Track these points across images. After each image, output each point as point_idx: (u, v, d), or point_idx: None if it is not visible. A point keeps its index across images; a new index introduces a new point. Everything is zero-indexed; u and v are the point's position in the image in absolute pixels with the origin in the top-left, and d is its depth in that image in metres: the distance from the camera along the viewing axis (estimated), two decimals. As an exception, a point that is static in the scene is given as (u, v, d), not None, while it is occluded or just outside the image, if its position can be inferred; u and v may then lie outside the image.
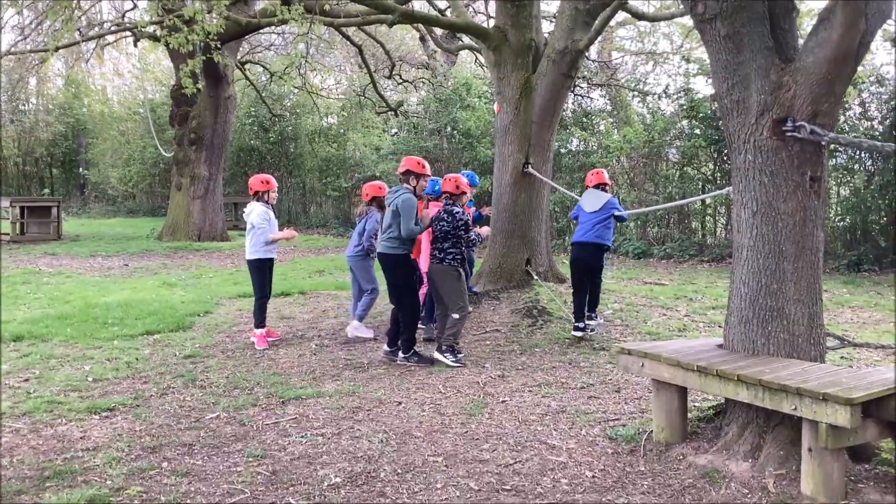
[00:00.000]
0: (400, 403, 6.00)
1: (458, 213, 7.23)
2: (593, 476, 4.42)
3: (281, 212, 25.87)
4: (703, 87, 18.41)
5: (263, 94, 25.18)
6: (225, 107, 20.52)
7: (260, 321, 8.19)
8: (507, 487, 4.29)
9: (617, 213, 8.53)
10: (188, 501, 4.14)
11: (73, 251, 17.98)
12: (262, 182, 8.32)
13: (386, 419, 5.60)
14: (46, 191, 32.15)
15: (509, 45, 10.27)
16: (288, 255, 17.32)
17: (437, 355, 7.25)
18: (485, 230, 7.82)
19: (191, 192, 20.55)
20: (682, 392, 4.75)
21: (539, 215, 10.50)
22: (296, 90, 26.04)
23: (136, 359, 7.55)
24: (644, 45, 21.74)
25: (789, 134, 4.50)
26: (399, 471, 4.56)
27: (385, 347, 7.62)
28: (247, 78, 23.60)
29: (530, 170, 10.21)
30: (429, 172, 7.48)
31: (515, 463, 4.67)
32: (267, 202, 8.33)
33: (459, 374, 6.87)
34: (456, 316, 7.23)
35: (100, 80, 36.85)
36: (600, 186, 8.62)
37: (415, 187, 7.35)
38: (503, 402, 6.02)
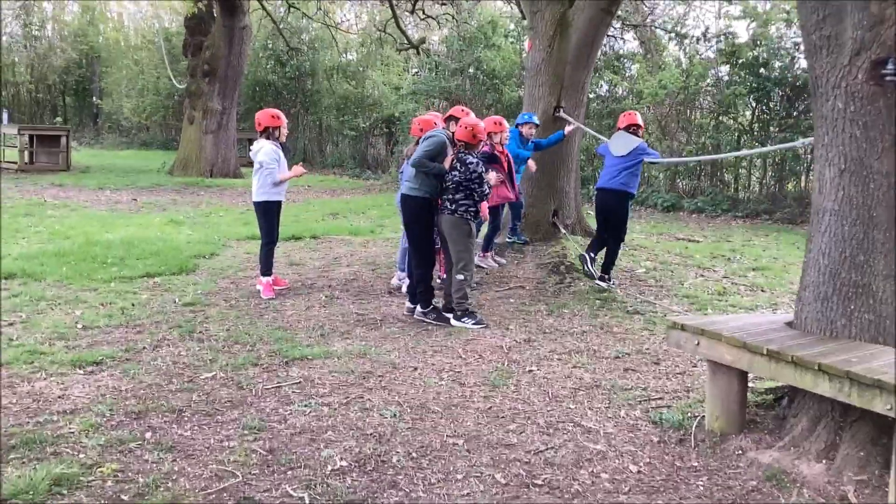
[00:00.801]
0: (416, 369, 5.41)
1: (471, 162, 6.55)
2: (639, 472, 3.81)
3: (296, 150, 25.16)
4: (745, 32, 17.38)
5: (281, 27, 24.25)
6: (240, 37, 19.70)
7: (266, 268, 7.59)
8: (539, 482, 3.70)
9: (648, 158, 7.99)
10: (169, 485, 3.58)
11: (82, 183, 17.43)
12: (271, 117, 7.62)
13: (399, 388, 5.01)
14: (59, 119, 31.48)
15: (545, -25, 9.41)
16: (301, 195, 16.69)
17: (455, 323, 6.64)
18: (492, 176, 7.08)
19: (203, 126, 19.88)
20: (743, 376, 4.11)
21: (568, 164, 9.79)
22: (314, 23, 25.10)
23: (133, 304, 6.99)
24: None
25: (889, 78, 3.77)
26: (414, 455, 3.97)
27: (407, 304, 7.05)
28: (263, 8, 22.65)
29: (562, 114, 9.45)
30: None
31: (547, 450, 4.07)
32: (276, 140, 7.66)
33: (481, 337, 6.26)
34: (461, 277, 6.62)
35: (116, 7, 35.90)
36: (631, 129, 7.99)
37: (454, 134, 6.80)
38: (530, 371, 5.41)
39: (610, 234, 7.97)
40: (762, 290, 7.99)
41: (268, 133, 7.60)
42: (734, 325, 4.16)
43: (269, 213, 7.66)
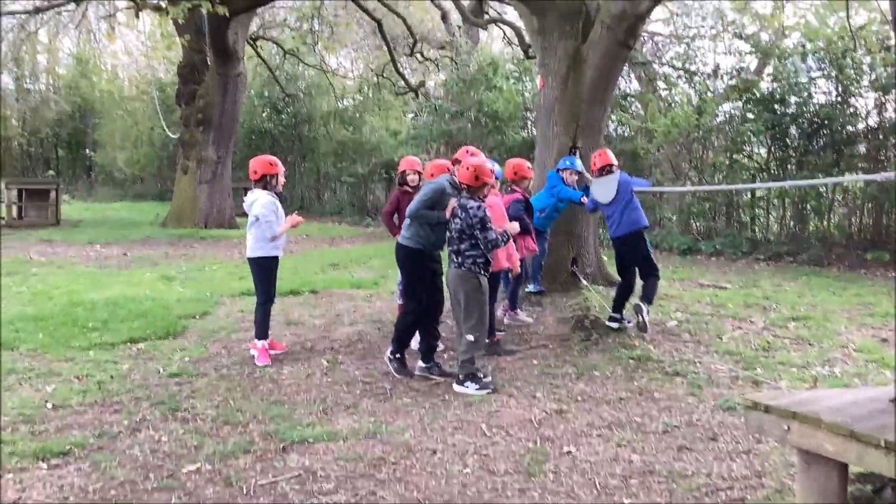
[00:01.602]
0: (435, 453, 4.63)
1: (472, 207, 5.85)
2: None
3: (293, 198, 24.53)
4: (755, 68, 16.87)
5: (276, 74, 23.79)
6: (234, 85, 19.16)
7: (262, 332, 6.85)
8: None
9: (636, 188, 7.69)
10: None
11: (71, 238, 16.72)
12: (268, 164, 6.93)
13: (418, 479, 4.24)
14: (51, 172, 30.89)
15: (556, 9, 8.82)
16: (299, 244, 15.98)
17: (457, 388, 5.91)
18: (512, 226, 6.43)
19: (197, 175, 19.24)
20: (844, 469, 3.35)
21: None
22: (310, 69, 24.65)
23: (111, 376, 6.24)
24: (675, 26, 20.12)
25: None
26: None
27: (420, 363, 6.35)
28: (258, 55, 22.23)
29: (579, 155, 8.80)
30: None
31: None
32: (273, 189, 6.97)
33: (505, 408, 5.50)
34: (470, 338, 5.91)
35: (110, 59, 35.58)
36: (605, 169, 7.65)
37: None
38: (568, 453, 4.64)
39: (645, 272, 7.66)
40: (809, 344, 7.23)
41: (264, 182, 6.92)
42: (830, 404, 3.41)
43: (265, 270, 6.95)
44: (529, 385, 6.03)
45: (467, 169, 5.95)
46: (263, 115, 25.70)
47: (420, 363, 6.34)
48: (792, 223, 14.33)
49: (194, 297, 9.60)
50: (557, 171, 8.41)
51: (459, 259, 5.94)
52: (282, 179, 7.04)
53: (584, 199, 8.03)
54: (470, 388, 5.83)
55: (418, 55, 20.95)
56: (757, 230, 14.90)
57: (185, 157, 19.51)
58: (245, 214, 7.05)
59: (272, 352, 6.93)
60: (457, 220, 5.92)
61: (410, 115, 24.66)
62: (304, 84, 25.95)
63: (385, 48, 19.50)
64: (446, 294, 6.33)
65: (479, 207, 5.85)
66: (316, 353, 7.07)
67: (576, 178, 8.38)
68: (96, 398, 5.68)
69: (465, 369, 5.91)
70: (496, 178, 6.75)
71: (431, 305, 6.38)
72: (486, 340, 6.96)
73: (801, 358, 6.71)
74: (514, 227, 6.42)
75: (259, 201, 6.80)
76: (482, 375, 6.03)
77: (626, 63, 10.30)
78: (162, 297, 9.50)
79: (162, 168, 29.15)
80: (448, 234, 6.03)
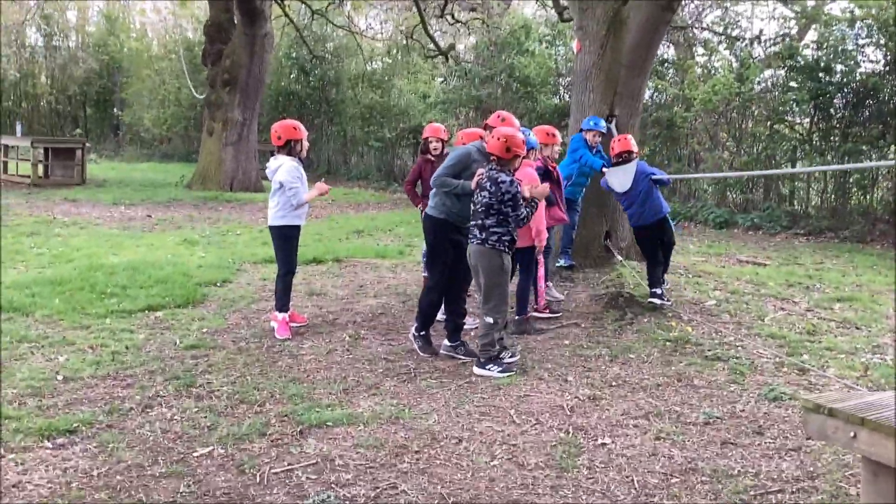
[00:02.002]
0: (460, 441, 4.35)
1: (503, 181, 5.47)
2: None
3: (320, 161, 24.23)
4: (800, 34, 16.19)
5: (304, 34, 23.36)
6: (261, 45, 18.79)
7: (283, 303, 6.59)
8: None
9: (655, 176, 7.29)
10: None
11: (96, 198, 16.57)
12: (292, 129, 6.62)
13: (442, 471, 3.96)
14: (79, 131, 30.81)
15: (596, -32, 8.36)
16: (325, 209, 15.70)
17: (476, 370, 5.60)
18: (542, 187, 5.99)
19: (223, 137, 18.98)
20: (915, 481, 3.01)
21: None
22: (339, 31, 24.19)
23: (126, 347, 6.02)
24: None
25: None
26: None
27: (445, 342, 6.06)
28: (286, 14, 21.76)
29: (615, 124, 8.39)
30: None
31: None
32: (297, 155, 6.67)
33: (536, 392, 5.20)
34: (490, 320, 5.60)
35: (139, 17, 35.28)
36: (622, 156, 7.27)
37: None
38: (603, 445, 4.34)
39: (667, 253, 7.51)
40: (857, 328, 6.84)
41: (288, 147, 6.62)
42: (903, 409, 3.06)
43: (288, 239, 6.69)
44: (560, 368, 5.72)
45: (497, 139, 5.58)
46: (291, 76, 25.32)
47: (445, 342, 6.05)
48: (833, 197, 13.78)
49: (216, 264, 9.37)
50: (581, 132, 8.01)
51: (483, 235, 5.59)
52: (306, 144, 6.74)
53: (605, 170, 7.61)
54: (493, 371, 5.53)
55: (448, 17, 20.37)
56: (796, 203, 14.37)
57: (211, 118, 19.24)
58: (268, 179, 6.77)
59: (293, 324, 6.68)
60: (484, 193, 5.56)
61: (440, 80, 24.17)
62: (333, 45, 25.52)
63: (415, 8, 18.96)
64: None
65: (510, 182, 5.49)
66: (338, 326, 6.81)
67: (599, 139, 7.97)
68: (109, 370, 5.47)
69: (486, 352, 5.60)
70: (531, 148, 6.39)
71: (456, 280, 6.06)
72: (517, 317, 6.68)
73: (849, 343, 6.32)
74: (545, 188, 6.01)
75: (283, 167, 6.51)
76: (510, 355, 5.74)
77: (668, 26, 9.79)
78: (183, 263, 9.29)
79: (189, 129, 28.94)
80: (473, 206, 5.69)
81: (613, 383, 5.39)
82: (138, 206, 15.64)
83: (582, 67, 8.58)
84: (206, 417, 4.64)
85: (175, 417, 4.65)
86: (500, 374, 5.49)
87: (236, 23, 18.99)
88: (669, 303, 7.22)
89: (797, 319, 7.08)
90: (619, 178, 7.17)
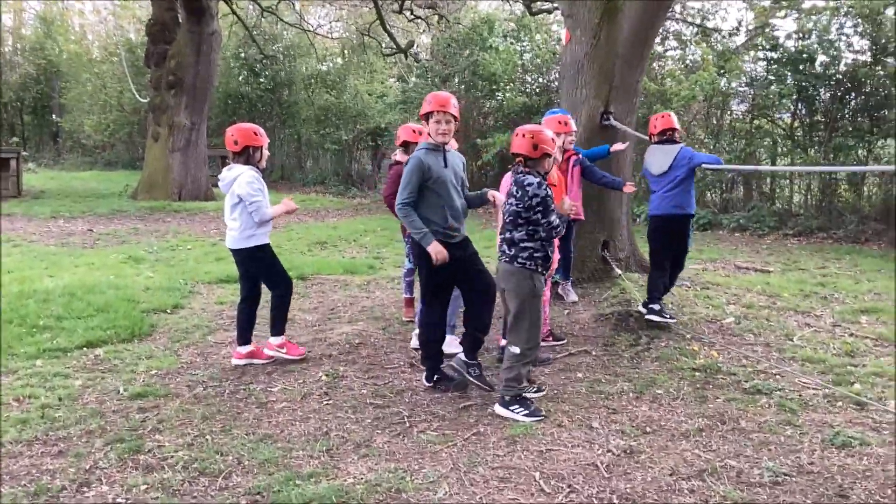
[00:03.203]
0: (482, 525, 3.46)
1: (530, 183, 4.61)
2: None
3: (273, 167, 23.09)
4: (785, 24, 15.61)
5: (254, 33, 22.23)
6: (208, 45, 17.67)
7: (280, 328, 5.90)
8: None
9: (705, 164, 6.37)
10: None
11: (32, 211, 15.33)
12: (252, 134, 5.64)
13: (469, 574, 3.06)
14: (15, 139, 29.17)
15: (587, -51, 7.52)
16: (281, 219, 14.63)
17: (499, 411, 4.74)
18: (566, 202, 5.15)
19: (170, 143, 17.83)
20: None
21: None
22: (290, 29, 23.11)
23: (60, 398, 5.01)
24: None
25: None
26: None
27: (460, 356, 5.19)
28: (234, 12, 20.63)
29: (612, 122, 7.57)
30: None
31: None
32: (257, 164, 5.71)
33: (559, 445, 4.32)
34: (516, 350, 4.73)
35: (77, 18, 33.66)
36: (666, 134, 6.35)
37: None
38: (659, 521, 3.48)
39: (678, 263, 6.64)
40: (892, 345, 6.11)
41: (246, 155, 5.65)
42: None
43: (260, 260, 5.73)
44: (580, 409, 4.85)
45: (522, 136, 4.70)
46: (240, 77, 24.13)
47: (460, 356, 5.14)
48: (819, 194, 13.18)
49: (165, 286, 8.35)
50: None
51: (512, 251, 4.72)
52: (266, 153, 5.77)
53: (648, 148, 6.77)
54: (517, 414, 4.65)
55: (407, 13, 19.46)
56: (780, 202, 13.76)
57: (156, 122, 18.07)
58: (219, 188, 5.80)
59: (255, 361, 5.73)
60: (511, 201, 4.70)
61: (392, 80, 23.28)
62: (284, 45, 24.42)
63: (372, 5, 18.02)
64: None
65: (538, 185, 4.60)
66: (311, 361, 5.85)
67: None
68: (37, 432, 4.46)
69: (511, 390, 4.73)
70: None
71: (478, 292, 5.14)
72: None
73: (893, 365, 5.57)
74: (570, 204, 5.13)
75: (241, 178, 5.55)
76: (535, 389, 4.94)
77: (668, 13, 9.01)
78: (127, 286, 8.25)
79: (133, 134, 27.60)
80: (502, 217, 4.82)
81: (648, 429, 4.54)
82: (78, 220, 14.48)
83: (572, 59, 7.72)
84: (157, 499, 3.67)
85: (119, 500, 3.67)
86: (526, 419, 4.62)
87: (181, 21, 17.84)
88: (673, 320, 6.40)
89: (828, 338, 6.31)
90: (658, 159, 6.29)
